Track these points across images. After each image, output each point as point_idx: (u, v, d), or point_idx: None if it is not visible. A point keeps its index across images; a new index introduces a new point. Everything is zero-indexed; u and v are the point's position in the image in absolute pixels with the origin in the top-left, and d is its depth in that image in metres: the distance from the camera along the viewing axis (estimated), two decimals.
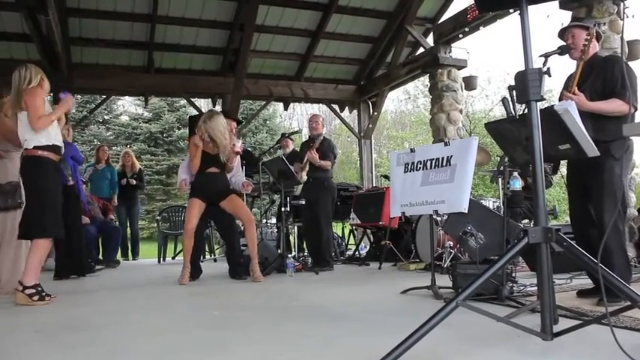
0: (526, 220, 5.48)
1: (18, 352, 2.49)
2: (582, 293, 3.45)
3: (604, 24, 5.15)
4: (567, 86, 3.35)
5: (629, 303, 1.93)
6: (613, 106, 3.17)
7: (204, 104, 18.02)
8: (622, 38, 5.48)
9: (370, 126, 11.40)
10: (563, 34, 3.48)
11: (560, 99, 3.35)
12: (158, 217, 9.40)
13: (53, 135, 4.06)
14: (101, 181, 8.32)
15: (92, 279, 5.78)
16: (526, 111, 2.10)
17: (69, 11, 8.43)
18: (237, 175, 5.81)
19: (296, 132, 8.32)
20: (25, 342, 2.71)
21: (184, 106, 21.90)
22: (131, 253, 9.12)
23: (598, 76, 3.28)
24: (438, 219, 5.45)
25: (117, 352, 2.43)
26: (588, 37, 3.25)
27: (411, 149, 4.13)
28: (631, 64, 4.50)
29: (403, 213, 4.13)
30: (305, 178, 6.35)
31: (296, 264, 5.94)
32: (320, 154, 6.17)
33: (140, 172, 9.14)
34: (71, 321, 3.21)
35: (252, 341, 2.57)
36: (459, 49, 8.89)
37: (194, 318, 3.38)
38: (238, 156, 5.71)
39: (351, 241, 9.07)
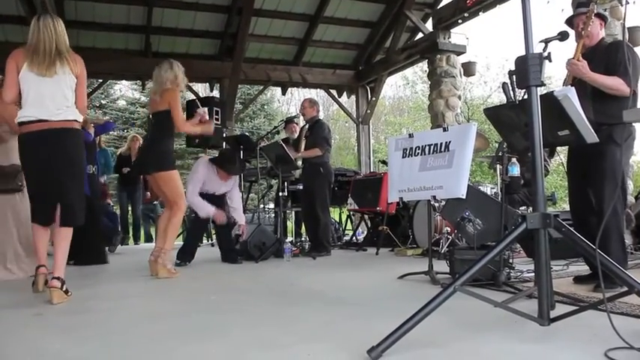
0: (524, 207, 5.48)
1: (16, 335, 2.50)
2: (579, 279, 3.46)
3: (605, 10, 5.14)
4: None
5: (625, 289, 1.94)
6: (614, 82, 3.14)
7: (201, 89, 17.90)
8: (623, 25, 5.45)
9: (368, 111, 11.37)
10: (570, 22, 3.47)
11: (565, 83, 3.33)
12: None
13: None
14: None
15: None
16: (526, 96, 2.09)
17: None
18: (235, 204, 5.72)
19: (295, 117, 8.26)
20: (23, 325, 2.71)
21: (182, 91, 21.78)
22: (132, 238, 9.14)
23: (601, 61, 3.27)
24: (436, 204, 5.44)
25: (115, 336, 2.43)
26: (588, 15, 3.24)
27: (409, 134, 4.12)
28: None
29: (401, 198, 4.12)
30: (300, 162, 6.32)
31: (293, 249, 5.96)
32: (310, 140, 6.15)
33: None
34: (70, 304, 3.21)
35: (249, 325, 2.59)
36: (458, 34, 8.87)
37: (192, 302, 3.39)
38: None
39: (349, 226, 9.08)
